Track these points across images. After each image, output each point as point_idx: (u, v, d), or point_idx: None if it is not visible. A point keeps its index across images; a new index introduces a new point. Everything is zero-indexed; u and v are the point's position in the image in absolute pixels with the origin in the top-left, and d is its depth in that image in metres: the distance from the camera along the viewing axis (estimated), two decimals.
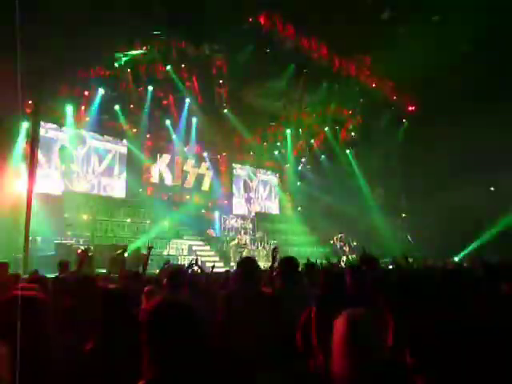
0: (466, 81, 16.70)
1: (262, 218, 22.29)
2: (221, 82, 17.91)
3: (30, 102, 13.03)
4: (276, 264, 4.68)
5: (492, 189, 20.67)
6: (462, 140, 19.47)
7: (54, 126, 16.14)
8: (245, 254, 17.47)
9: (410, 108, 19.62)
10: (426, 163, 20.47)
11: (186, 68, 17.18)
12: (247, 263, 3.82)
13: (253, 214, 22.24)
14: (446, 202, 19.67)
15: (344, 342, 1.72)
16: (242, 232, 18.48)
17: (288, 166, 25.03)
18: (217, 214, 20.65)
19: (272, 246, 14.94)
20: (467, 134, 18.84)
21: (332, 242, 20.31)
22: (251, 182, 24.16)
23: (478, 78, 16.52)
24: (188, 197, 20.67)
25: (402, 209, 22.01)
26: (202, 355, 1.69)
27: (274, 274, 4.52)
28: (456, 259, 16.34)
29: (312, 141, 23.80)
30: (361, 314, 1.79)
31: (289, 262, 4.11)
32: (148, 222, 17.46)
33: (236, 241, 18.27)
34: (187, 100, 18.85)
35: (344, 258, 18.70)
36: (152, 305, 1.75)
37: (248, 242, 18.22)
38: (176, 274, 4.01)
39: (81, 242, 13.98)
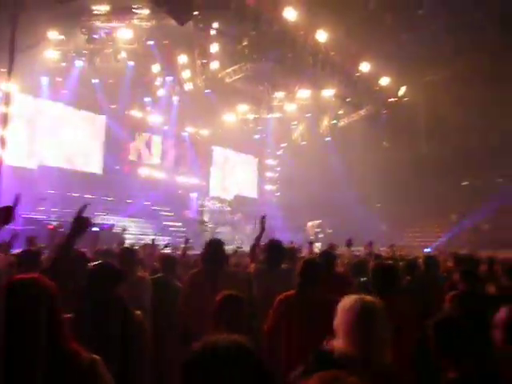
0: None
1: (240, 202, 22.24)
2: (204, 61, 17.51)
3: (2, 70, 12.48)
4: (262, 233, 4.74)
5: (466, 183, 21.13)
6: (443, 133, 19.88)
7: (29, 96, 15.58)
8: (207, 233, 17.10)
9: (392, 99, 19.67)
10: (407, 152, 20.88)
11: (169, 45, 16.70)
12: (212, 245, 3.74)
13: (231, 196, 22.13)
14: (423, 191, 20.10)
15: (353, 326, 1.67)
16: (203, 210, 18.10)
17: (269, 150, 24.95)
18: (194, 196, 20.49)
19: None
20: (450, 128, 19.25)
21: (305, 228, 20.27)
22: (230, 164, 24.00)
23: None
24: (166, 176, 20.41)
25: (377, 198, 22.23)
26: None
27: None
28: (427, 250, 16.67)
29: (293, 127, 23.72)
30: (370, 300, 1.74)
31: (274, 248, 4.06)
32: (123, 200, 17.16)
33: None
34: (168, 78, 18.41)
35: (319, 244, 18.77)
36: None
37: (208, 220, 17.80)
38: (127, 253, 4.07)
39: (52, 218, 13.65)
